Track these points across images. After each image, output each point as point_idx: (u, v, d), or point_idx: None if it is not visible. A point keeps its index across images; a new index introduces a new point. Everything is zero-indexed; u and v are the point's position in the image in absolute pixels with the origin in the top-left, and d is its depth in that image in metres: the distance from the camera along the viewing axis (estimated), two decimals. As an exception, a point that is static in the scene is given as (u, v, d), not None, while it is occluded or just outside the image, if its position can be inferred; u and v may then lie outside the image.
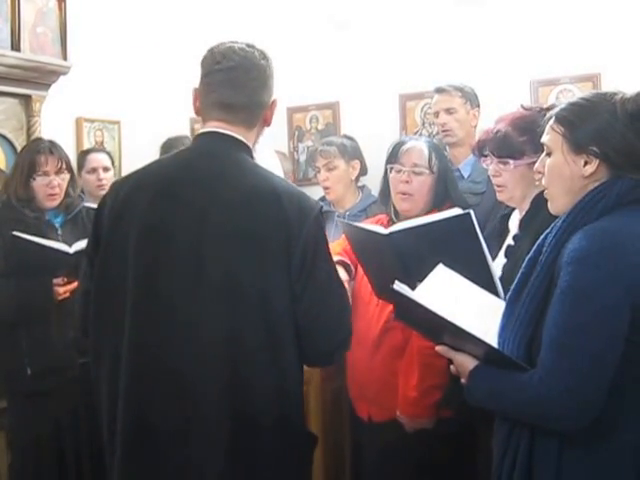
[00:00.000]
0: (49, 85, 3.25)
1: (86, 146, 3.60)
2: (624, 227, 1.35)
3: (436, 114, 3.06)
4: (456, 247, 1.71)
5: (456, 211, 1.81)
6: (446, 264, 1.62)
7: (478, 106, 3.03)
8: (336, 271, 1.63)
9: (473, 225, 1.74)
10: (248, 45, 1.62)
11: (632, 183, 1.38)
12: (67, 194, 2.61)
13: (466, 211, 1.77)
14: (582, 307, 1.30)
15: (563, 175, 1.43)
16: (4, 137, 3.06)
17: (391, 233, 1.85)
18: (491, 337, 1.45)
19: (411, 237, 1.80)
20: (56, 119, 3.42)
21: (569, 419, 1.31)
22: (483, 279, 1.56)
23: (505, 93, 3.26)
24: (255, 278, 1.50)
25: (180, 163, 1.62)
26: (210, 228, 1.50)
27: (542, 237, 1.45)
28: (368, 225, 2.23)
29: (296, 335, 1.54)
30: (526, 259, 1.46)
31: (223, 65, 1.58)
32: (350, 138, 3.25)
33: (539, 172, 1.55)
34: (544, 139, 1.49)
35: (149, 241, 1.53)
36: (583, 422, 1.31)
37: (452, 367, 1.53)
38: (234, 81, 1.57)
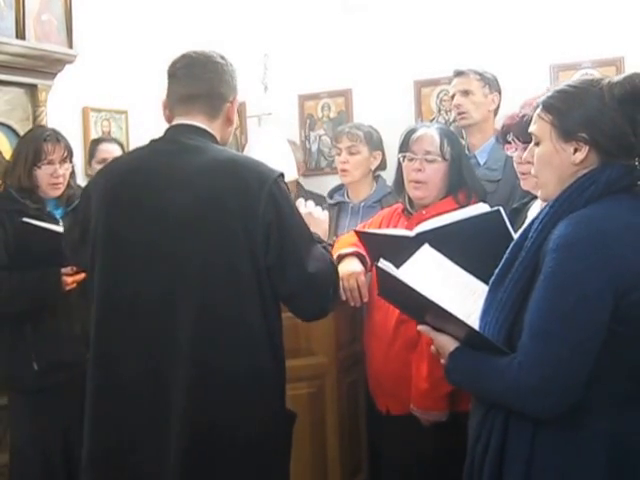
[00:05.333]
0: (55, 74, 3.21)
1: (93, 136, 3.59)
2: (611, 216, 1.35)
3: (452, 96, 3.03)
4: (486, 244, 1.67)
5: (484, 207, 1.80)
6: (477, 261, 1.59)
7: (498, 91, 2.98)
8: (308, 230, 1.70)
9: (504, 222, 1.72)
10: (206, 51, 1.79)
11: (622, 170, 1.38)
12: (69, 185, 2.58)
13: (495, 208, 1.75)
14: (564, 295, 1.31)
15: (553, 163, 1.43)
16: (10, 128, 3.02)
17: (418, 234, 1.83)
18: (473, 320, 1.46)
19: (439, 237, 1.77)
20: (62, 109, 3.39)
21: (546, 405, 1.32)
22: None
23: (525, 78, 3.19)
24: (211, 247, 1.59)
25: (148, 149, 1.77)
26: (171, 199, 1.62)
27: (529, 223, 1.45)
28: (389, 230, 2.23)
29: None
30: (511, 244, 1.46)
31: (182, 63, 1.75)
32: (375, 130, 3.20)
33: (528, 162, 1.53)
34: (532, 128, 1.48)
35: (117, 217, 1.67)
36: (560, 409, 1.32)
37: (432, 347, 1.55)
38: (191, 73, 1.73)
